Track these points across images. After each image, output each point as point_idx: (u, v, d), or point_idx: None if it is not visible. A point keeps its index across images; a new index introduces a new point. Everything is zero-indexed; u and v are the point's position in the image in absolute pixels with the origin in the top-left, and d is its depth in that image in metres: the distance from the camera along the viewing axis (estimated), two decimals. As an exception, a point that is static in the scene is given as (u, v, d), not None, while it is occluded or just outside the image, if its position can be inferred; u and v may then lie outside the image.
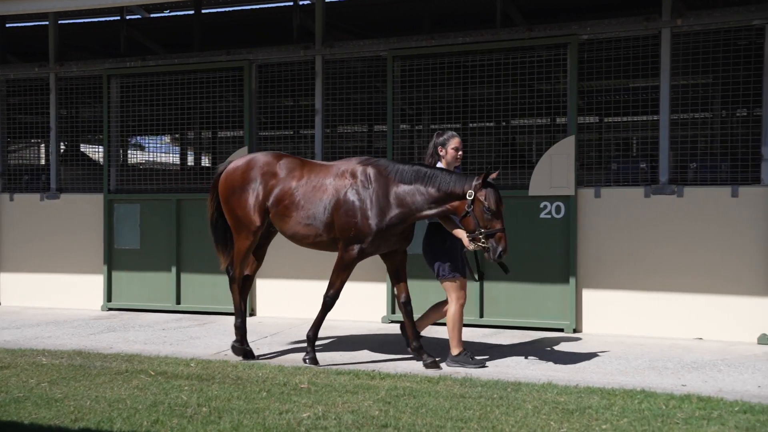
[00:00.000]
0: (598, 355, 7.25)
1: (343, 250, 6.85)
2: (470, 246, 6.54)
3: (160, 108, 10.11)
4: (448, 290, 6.85)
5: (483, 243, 6.43)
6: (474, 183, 6.47)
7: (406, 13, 10.64)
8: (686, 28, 7.94)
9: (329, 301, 6.99)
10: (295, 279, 9.50)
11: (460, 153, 7.00)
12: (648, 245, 8.13)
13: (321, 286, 9.34)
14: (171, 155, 13.09)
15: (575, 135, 8.30)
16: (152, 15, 12.05)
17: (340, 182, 6.87)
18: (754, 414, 5.23)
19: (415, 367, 6.83)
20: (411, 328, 7.01)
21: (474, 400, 5.63)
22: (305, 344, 7.07)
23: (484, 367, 6.81)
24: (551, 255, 8.43)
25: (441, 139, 6.96)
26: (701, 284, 7.91)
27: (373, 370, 6.59)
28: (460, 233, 6.64)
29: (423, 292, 8.50)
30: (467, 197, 6.46)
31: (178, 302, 9.96)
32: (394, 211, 6.70)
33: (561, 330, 8.39)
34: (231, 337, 7.63)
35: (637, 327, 8.16)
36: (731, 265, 7.82)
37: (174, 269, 9.94)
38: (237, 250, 7.30)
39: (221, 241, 7.51)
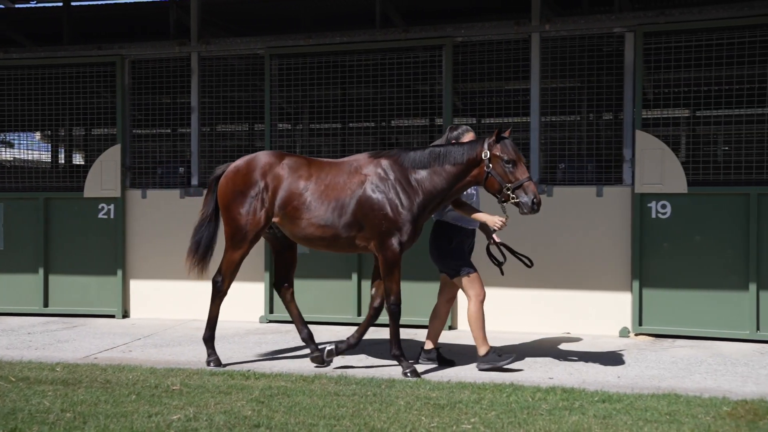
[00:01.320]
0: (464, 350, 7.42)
1: (381, 249, 6.48)
2: (492, 219, 6.44)
3: (26, 103, 9.69)
4: (465, 287, 6.62)
5: (513, 198, 6.23)
6: (487, 142, 6.33)
7: (286, 11, 10.59)
8: (554, 34, 8.24)
9: (395, 309, 6.55)
10: (169, 279, 9.30)
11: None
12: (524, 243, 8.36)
13: (196, 286, 9.26)
14: (39, 152, 12.55)
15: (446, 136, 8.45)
16: (17, 6, 11.51)
17: (355, 179, 6.55)
18: (612, 403, 5.47)
19: (292, 366, 6.81)
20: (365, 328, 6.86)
21: (348, 397, 5.66)
22: (180, 347, 6.92)
23: (516, 360, 6.67)
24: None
25: (455, 133, 6.77)
26: (569, 281, 8.21)
27: (249, 371, 6.53)
28: (483, 216, 6.54)
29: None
30: (483, 158, 6.31)
31: (46, 305, 9.57)
32: (419, 197, 6.45)
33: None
34: (103, 339, 7.43)
35: (503, 323, 8.39)
36: (596, 262, 8.16)
37: (41, 270, 9.54)
38: (229, 261, 6.85)
39: (203, 247, 6.98)
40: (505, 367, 6.57)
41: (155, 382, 6.07)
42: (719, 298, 7.77)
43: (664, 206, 7.92)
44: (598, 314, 8.14)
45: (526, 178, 6.27)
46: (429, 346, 6.94)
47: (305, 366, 6.82)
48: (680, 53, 7.83)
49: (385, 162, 6.56)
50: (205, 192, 7.19)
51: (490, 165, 6.29)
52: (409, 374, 6.40)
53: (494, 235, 6.78)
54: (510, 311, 8.37)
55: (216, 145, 10.08)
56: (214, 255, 7.04)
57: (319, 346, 6.94)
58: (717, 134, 8.96)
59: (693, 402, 5.47)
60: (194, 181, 9.34)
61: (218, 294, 6.95)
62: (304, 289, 8.88)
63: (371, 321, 6.82)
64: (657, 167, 7.88)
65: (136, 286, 9.47)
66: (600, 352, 7.33)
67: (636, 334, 8.01)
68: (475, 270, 6.63)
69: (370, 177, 6.52)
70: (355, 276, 8.77)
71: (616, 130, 8.43)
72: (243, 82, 9.51)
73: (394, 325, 6.58)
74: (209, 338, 6.95)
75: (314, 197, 6.58)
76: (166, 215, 9.37)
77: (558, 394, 5.71)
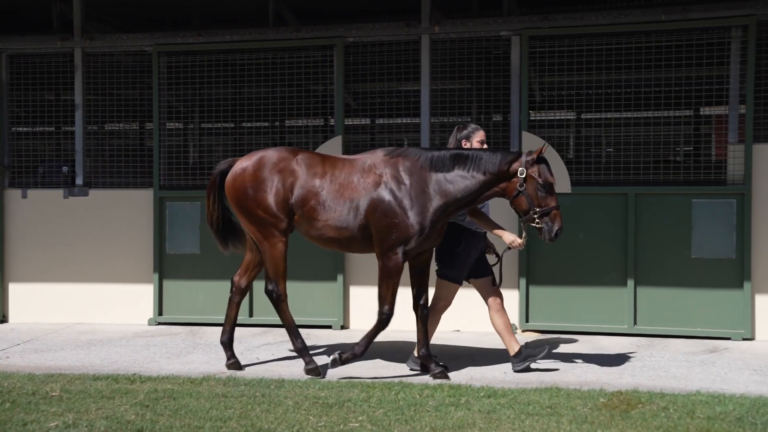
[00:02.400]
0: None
1: (384, 257, 6.18)
2: (510, 238, 6.28)
3: None
4: (439, 290, 6.56)
5: (537, 223, 6.03)
6: (525, 159, 6.03)
7: (176, 8, 10.37)
8: (443, 36, 8.37)
9: (386, 318, 6.28)
10: (50, 282, 8.99)
11: (485, 147, 6.59)
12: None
13: (78, 289, 9.00)
14: None
15: (342, 135, 8.49)
16: None
17: (369, 179, 6.22)
18: (497, 398, 5.61)
19: (180, 368, 6.69)
20: (422, 333, 6.48)
21: (236, 399, 5.61)
22: (62, 351, 6.67)
23: (546, 351, 6.56)
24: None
25: (465, 132, 6.54)
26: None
27: (134, 374, 6.38)
28: (502, 233, 6.32)
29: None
30: (519, 175, 6.01)
31: None
32: (435, 204, 6.11)
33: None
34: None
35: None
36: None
37: None
38: (273, 259, 6.37)
39: (231, 229, 6.75)
40: (539, 359, 6.53)
41: (33, 389, 5.85)
42: (600, 294, 8.06)
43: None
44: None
45: (556, 206, 6.04)
46: (417, 353, 6.62)
47: (194, 368, 6.71)
48: (563, 57, 8.09)
49: (402, 162, 6.22)
50: (206, 190, 6.78)
51: (524, 184, 6.03)
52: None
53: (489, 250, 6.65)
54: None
55: (103, 143, 9.80)
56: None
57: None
58: (599, 136, 9.30)
59: (573, 395, 5.66)
60: (79, 181, 9.05)
61: (280, 301, 6.48)
62: (195, 289, 8.77)
63: (425, 323, 6.49)
64: (543, 168, 8.10)
65: (14, 290, 9.11)
66: (487, 349, 7.49)
67: (523, 330, 8.22)
68: (461, 284, 6.55)
69: (386, 179, 6.19)
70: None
71: (504, 131, 8.63)
72: (131, 79, 9.27)
73: (376, 331, 6.33)
74: (302, 347, 6.52)
75: (330, 197, 6.25)
76: (49, 216, 9.05)
77: (445, 391, 5.81)
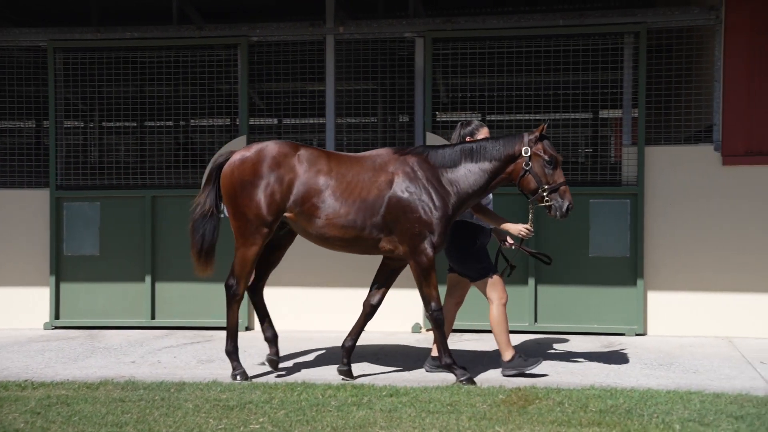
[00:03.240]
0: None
1: (414, 254, 6.09)
2: (516, 228, 6.21)
3: None
4: (488, 291, 6.31)
5: (547, 201, 6.00)
6: (528, 138, 6.05)
7: (76, 2, 10.07)
8: (348, 36, 8.39)
9: (438, 315, 6.17)
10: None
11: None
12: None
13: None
14: None
15: (247, 135, 8.42)
16: None
17: (382, 177, 6.11)
18: (399, 396, 5.64)
19: (77, 373, 6.49)
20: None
21: (134, 403, 5.48)
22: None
23: (539, 364, 6.37)
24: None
25: (469, 129, 6.49)
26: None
27: (26, 380, 6.15)
28: (508, 225, 6.26)
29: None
30: (523, 154, 6.02)
31: None
32: (453, 198, 6.08)
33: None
34: None
35: (306, 322, 8.45)
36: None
37: None
38: (242, 260, 6.22)
39: (208, 242, 6.38)
40: (529, 372, 6.32)
41: None
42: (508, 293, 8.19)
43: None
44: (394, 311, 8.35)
45: (563, 182, 6.05)
46: (436, 353, 6.54)
47: (92, 373, 6.53)
48: (466, 59, 8.22)
49: (412, 160, 6.16)
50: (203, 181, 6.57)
51: (530, 163, 6.03)
52: (464, 382, 6.07)
53: (508, 238, 6.56)
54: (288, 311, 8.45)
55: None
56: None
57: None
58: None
59: (473, 392, 5.74)
60: (-28, 179, 8.71)
61: (234, 299, 6.32)
62: (94, 291, 8.55)
63: (366, 320, 6.52)
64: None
65: None
66: (393, 347, 7.55)
67: (427, 330, 8.31)
68: (497, 272, 6.39)
69: (399, 176, 6.11)
70: (149, 278, 8.50)
71: (409, 132, 8.71)
72: (27, 76, 8.95)
73: (440, 333, 6.22)
74: (233, 350, 6.39)
75: (336, 195, 6.10)
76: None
77: (348, 391, 5.82)
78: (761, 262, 7.84)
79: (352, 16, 8.95)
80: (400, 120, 9.78)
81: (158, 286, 8.48)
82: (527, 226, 6.24)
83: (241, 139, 8.36)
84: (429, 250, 6.07)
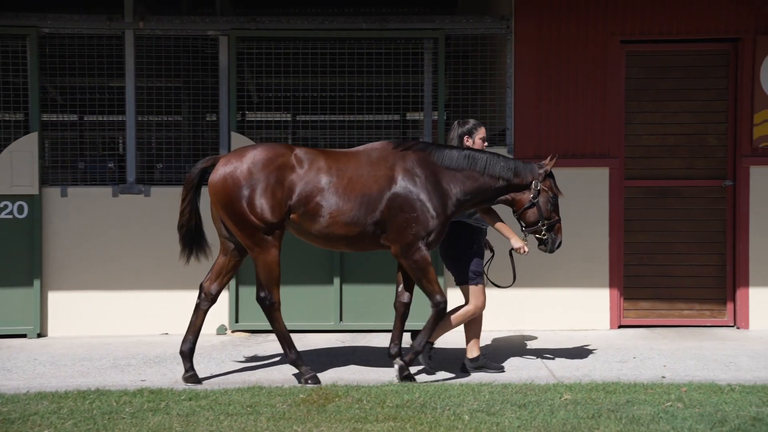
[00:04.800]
0: (60, 359, 7.05)
1: (407, 254, 6.02)
2: (518, 243, 6.26)
3: None
4: (472, 295, 6.32)
5: (543, 235, 6.14)
6: (539, 171, 6.11)
7: None
8: (149, 32, 8.13)
9: (444, 306, 6.11)
10: None
11: (486, 144, 6.52)
12: (118, 245, 8.14)
13: None
14: None
15: (38, 132, 7.98)
16: None
17: (380, 173, 6.01)
18: (198, 400, 5.53)
19: None
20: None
21: None
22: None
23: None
24: (14, 257, 7.98)
25: (466, 128, 6.43)
26: (167, 281, 8.14)
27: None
28: (504, 228, 6.29)
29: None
30: (533, 187, 6.08)
31: None
32: (452, 200, 6.03)
33: (24, 336, 7.97)
34: None
35: (105, 327, 8.12)
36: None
37: None
38: (265, 266, 5.98)
39: (198, 243, 6.30)
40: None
41: None
42: (309, 292, 8.25)
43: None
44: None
45: (559, 219, 6.22)
46: (473, 354, 6.52)
47: None
48: (271, 59, 8.19)
49: (413, 156, 6.07)
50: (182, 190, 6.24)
51: (538, 198, 6.12)
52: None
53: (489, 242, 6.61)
54: (110, 314, 8.12)
55: None
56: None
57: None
58: (315, 138, 9.53)
59: (274, 392, 5.74)
60: None
61: (273, 307, 6.07)
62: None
63: (403, 321, 6.38)
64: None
65: None
66: (198, 350, 7.38)
67: (233, 331, 8.21)
68: (483, 282, 6.39)
69: (399, 172, 6.01)
70: None
71: (215, 131, 8.56)
72: None
73: (435, 323, 6.20)
74: (296, 357, 6.20)
75: (338, 192, 5.96)
76: None
77: (145, 396, 5.65)
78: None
79: (154, 12, 8.69)
80: (207, 119, 9.59)
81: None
82: (526, 243, 6.33)
83: (32, 136, 7.91)
84: (424, 250, 6.05)
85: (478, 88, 8.34)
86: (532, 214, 6.17)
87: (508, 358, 7.04)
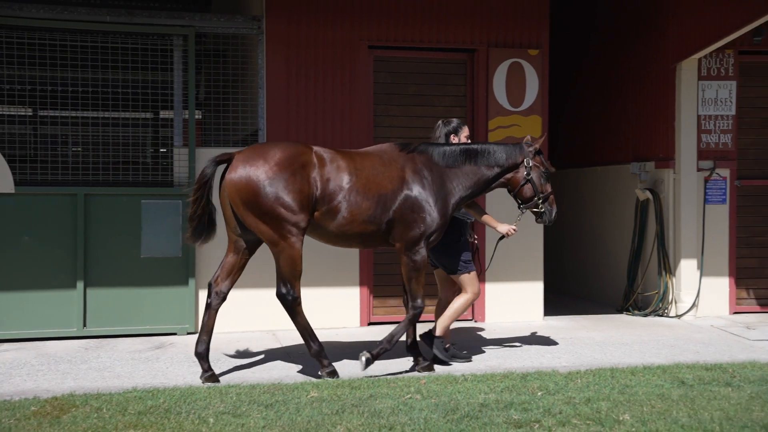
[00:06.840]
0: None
1: (410, 252, 6.32)
2: (505, 228, 6.66)
3: None
4: (466, 284, 6.66)
5: (540, 208, 6.58)
6: (528, 149, 6.54)
7: None
8: None
9: (420, 312, 6.42)
10: None
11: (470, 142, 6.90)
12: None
13: None
14: None
15: None
16: None
17: (393, 173, 6.30)
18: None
19: None
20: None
21: None
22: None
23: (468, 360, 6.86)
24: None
25: (452, 126, 6.82)
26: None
27: None
28: (496, 223, 6.70)
29: None
30: (525, 165, 6.49)
31: None
32: (453, 198, 6.41)
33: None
34: None
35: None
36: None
37: None
38: (290, 259, 6.07)
39: (208, 229, 6.31)
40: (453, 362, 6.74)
41: None
42: (49, 297, 7.77)
43: None
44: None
45: (552, 192, 6.65)
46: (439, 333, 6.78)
47: None
48: (4, 48, 7.61)
49: (419, 158, 6.40)
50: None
51: (531, 173, 6.49)
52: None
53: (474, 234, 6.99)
54: None
55: None
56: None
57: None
58: (56, 135, 8.96)
59: (2, 406, 5.33)
60: None
61: (295, 302, 6.15)
62: None
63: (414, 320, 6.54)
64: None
65: None
66: None
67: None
68: (475, 269, 6.73)
69: (409, 174, 6.33)
70: None
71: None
72: None
73: (408, 324, 6.42)
74: (320, 349, 6.27)
75: (358, 191, 6.17)
76: None
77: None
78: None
79: None
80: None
81: None
82: (514, 226, 6.74)
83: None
84: (424, 251, 6.35)
85: (231, 88, 8.26)
86: (528, 189, 6.61)
87: (273, 359, 7.07)
